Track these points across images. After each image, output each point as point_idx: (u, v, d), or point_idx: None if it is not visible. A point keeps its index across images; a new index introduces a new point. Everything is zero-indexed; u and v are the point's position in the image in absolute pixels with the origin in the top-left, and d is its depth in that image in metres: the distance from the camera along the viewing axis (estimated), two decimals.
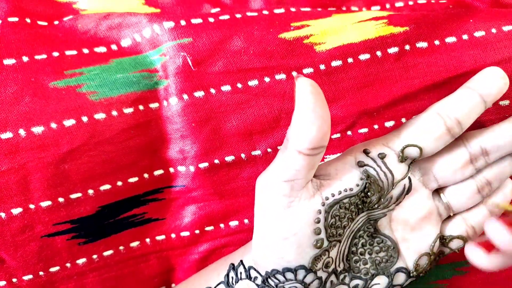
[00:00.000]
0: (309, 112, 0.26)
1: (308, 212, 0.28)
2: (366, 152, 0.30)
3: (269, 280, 0.30)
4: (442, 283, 0.36)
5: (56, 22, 0.34)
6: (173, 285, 0.37)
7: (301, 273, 0.29)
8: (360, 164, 0.30)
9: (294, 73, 0.33)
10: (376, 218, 0.31)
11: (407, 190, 0.31)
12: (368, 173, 0.30)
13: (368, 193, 0.30)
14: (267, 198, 0.29)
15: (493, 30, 0.33)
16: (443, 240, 0.33)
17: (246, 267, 0.31)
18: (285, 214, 0.28)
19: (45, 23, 0.34)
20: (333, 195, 0.29)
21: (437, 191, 0.33)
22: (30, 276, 0.32)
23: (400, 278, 0.32)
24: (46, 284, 0.33)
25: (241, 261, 0.32)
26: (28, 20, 0.33)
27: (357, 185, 0.30)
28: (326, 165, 0.31)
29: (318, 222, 0.29)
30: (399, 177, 0.30)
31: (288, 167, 0.28)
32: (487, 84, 0.30)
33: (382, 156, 0.30)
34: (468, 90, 0.30)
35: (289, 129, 0.28)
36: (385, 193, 0.30)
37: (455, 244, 0.33)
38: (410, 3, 0.38)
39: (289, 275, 0.29)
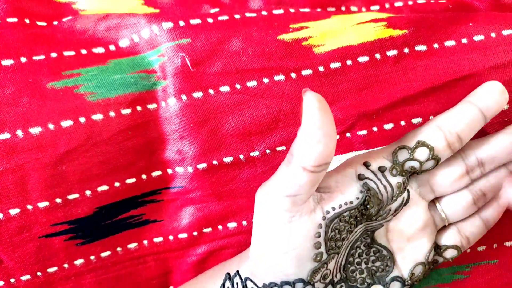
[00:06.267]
0: (316, 130, 0.26)
1: (309, 226, 0.28)
2: (366, 165, 0.30)
3: None
4: (443, 287, 0.36)
5: (55, 23, 0.34)
6: (171, 287, 0.37)
7: (299, 286, 0.29)
8: (361, 177, 0.30)
9: (293, 75, 0.33)
10: (373, 229, 0.31)
11: (405, 202, 0.31)
12: (368, 186, 0.29)
13: (368, 206, 0.30)
14: (268, 212, 0.28)
15: (493, 34, 0.33)
16: (437, 249, 0.33)
17: (243, 278, 0.31)
18: (286, 229, 0.28)
19: (44, 24, 0.34)
20: (333, 209, 0.29)
21: (433, 201, 0.33)
22: (28, 277, 0.33)
23: (395, 287, 0.32)
24: (43, 284, 0.33)
25: (237, 271, 0.31)
26: (27, 21, 0.33)
27: (357, 198, 0.29)
28: (326, 177, 0.30)
29: (319, 236, 0.28)
30: (397, 190, 0.30)
31: (291, 182, 0.27)
32: (487, 99, 0.30)
33: (382, 170, 0.30)
34: (469, 105, 0.30)
35: (293, 145, 0.27)
36: (384, 205, 0.30)
37: (449, 254, 0.33)
38: (410, 3, 0.37)
39: None
